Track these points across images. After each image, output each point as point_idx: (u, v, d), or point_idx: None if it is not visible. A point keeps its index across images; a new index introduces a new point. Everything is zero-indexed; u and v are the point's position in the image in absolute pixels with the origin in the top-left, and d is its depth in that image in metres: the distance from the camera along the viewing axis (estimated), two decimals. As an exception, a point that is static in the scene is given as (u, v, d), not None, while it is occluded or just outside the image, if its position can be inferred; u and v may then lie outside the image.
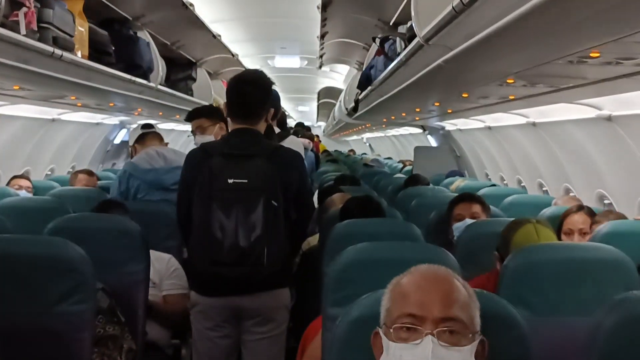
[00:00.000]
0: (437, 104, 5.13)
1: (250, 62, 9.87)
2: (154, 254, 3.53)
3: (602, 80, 3.03)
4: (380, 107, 6.18)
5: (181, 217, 3.37)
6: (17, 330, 2.58)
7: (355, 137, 24.67)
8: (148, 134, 4.98)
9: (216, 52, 8.26)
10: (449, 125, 9.09)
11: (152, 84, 5.74)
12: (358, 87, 6.10)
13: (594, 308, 2.08)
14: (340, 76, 13.09)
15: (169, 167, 4.47)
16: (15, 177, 6.18)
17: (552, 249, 2.75)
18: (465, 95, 4.11)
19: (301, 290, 4.08)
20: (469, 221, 3.90)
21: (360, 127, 17.04)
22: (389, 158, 17.47)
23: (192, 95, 8.35)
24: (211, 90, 8.95)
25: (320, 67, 9.26)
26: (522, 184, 7.34)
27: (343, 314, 2.06)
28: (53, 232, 3.46)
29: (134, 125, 10.04)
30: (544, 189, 6.66)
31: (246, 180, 3.04)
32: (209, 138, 4.24)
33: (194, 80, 8.43)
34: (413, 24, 2.79)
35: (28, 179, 6.21)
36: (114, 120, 9.34)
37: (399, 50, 4.26)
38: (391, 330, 1.75)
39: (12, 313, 2.59)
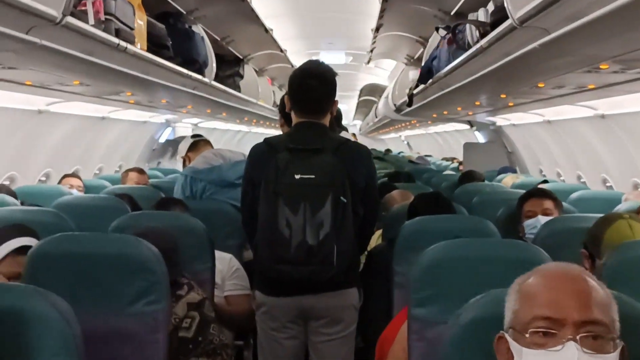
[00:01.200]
0: (503, 95, 4.93)
1: (295, 59, 9.72)
2: (215, 253, 3.47)
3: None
4: (439, 101, 6.02)
5: (245, 215, 3.28)
6: (89, 332, 2.43)
7: (393, 135, 24.43)
8: (199, 142, 4.95)
9: (264, 48, 8.15)
10: (501, 120, 8.88)
11: (206, 80, 5.62)
12: (419, 81, 5.91)
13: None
14: (384, 72, 12.93)
15: (229, 163, 4.40)
16: (66, 175, 6.13)
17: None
18: (540, 85, 3.92)
19: (367, 289, 3.94)
20: (541, 218, 3.74)
21: (402, 125, 16.88)
22: (429, 156, 17.23)
23: (239, 92, 8.20)
24: (258, 88, 8.85)
25: (368, 62, 9.10)
26: (581, 180, 7.12)
27: (453, 317, 1.91)
28: (117, 231, 3.38)
29: (179, 124, 10.09)
30: (607, 184, 6.43)
31: (313, 176, 2.94)
32: None
33: (242, 77, 8.30)
34: (507, 6, 2.61)
35: (79, 177, 6.16)
36: (160, 118, 9.32)
37: (469, 39, 4.07)
38: (526, 335, 1.57)
39: (83, 314, 2.44)
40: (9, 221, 3.32)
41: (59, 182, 6.02)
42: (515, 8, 2.60)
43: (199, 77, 5.34)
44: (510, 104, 5.82)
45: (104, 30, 3.36)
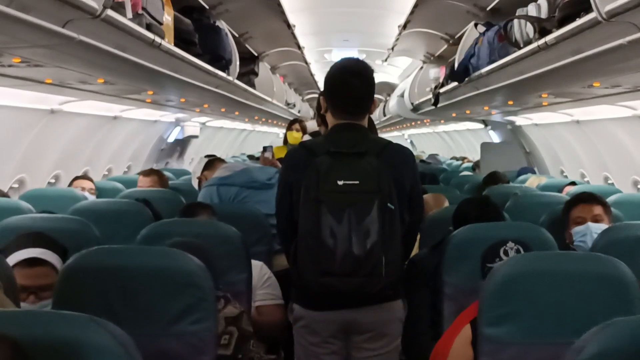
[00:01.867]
0: (544, 95, 4.69)
1: (308, 56, 9.48)
2: None
3: None
4: (470, 100, 5.79)
5: (282, 223, 3.05)
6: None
7: (396, 133, 24.21)
8: (214, 161, 4.83)
9: (280, 44, 7.88)
10: (522, 119, 8.65)
11: (230, 78, 5.36)
12: (452, 79, 5.66)
13: None
14: (396, 70, 12.69)
15: (256, 166, 4.34)
16: (77, 178, 5.83)
17: None
18: (596, 84, 3.68)
19: (409, 300, 3.75)
20: (592, 225, 3.55)
21: (408, 124, 16.66)
22: (436, 155, 17.03)
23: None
24: (273, 86, 8.60)
25: (386, 59, 8.86)
26: (609, 181, 6.89)
27: (570, 351, 1.66)
28: (146, 240, 3.17)
29: (188, 123, 9.84)
30: (639, 186, 6.21)
31: (358, 182, 2.73)
32: None
33: (256, 74, 8.04)
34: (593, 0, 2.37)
35: (91, 179, 5.87)
36: (170, 117, 9.08)
37: (517, 36, 3.83)
38: None
39: (124, 333, 2.29)
40: (30, 229, 3.11)
41: (70, 185, 5.76)
42: (604, 1, 2.37)
43: (224, 75, 5.07)
44: (545, 104, 5.58)
45: (138, 25, 3.11)
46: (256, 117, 11.02)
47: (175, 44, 4.05)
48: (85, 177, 5.88)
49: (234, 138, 15.33)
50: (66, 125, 6.05)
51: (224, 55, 5.02)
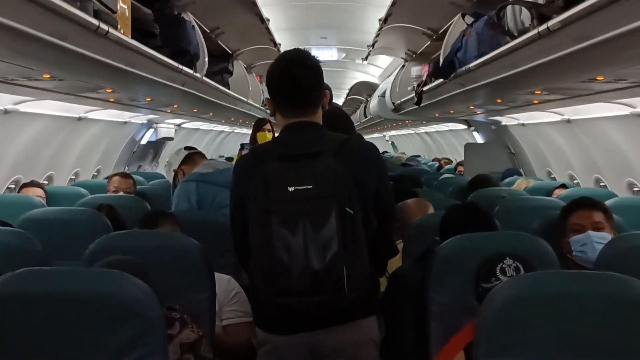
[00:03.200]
0: (538, 92, 4.33)
1: (285, 54, 9.06)
2: None
3: None
4: (454, 98, 5.44)
5: (237, 239, 2.72)
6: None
7: (376, 135, 23.99)
8: (194, 154, 4.50)
9: (256, 42, 7.49)
10: (508, 119, 8.36)
11: (197, 75, 4.95)
12: (437, 76, 5.32)
13: None
14: (377, 70, 12.41)
15: None
16: (25, 185, 5.36)
17: None
18: (599, 78, 3.33)
19: (391, 319, 3.40)
20: (592, 234, 3.24)
21: (388, 125, 16.37)
22: (418, 156, 16.79)
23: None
24: (248, 86, 8.22)
25: (366, 57, 8.49)
26: (601, 184, 6.58)
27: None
28: (93, 256, 2.81)
29: (162, 125, 9.47)
30: (635, 189, 5.89)
31: (311, 186, 2.41)
32: None
33: (231, 73, 7.65)
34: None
35: (40, 186, 5.41)
36: (141, 119, 8.69)
37: (510, 24, 3.47)
38: None
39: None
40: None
41: (18, 192, 5.32)
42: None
43: (190, 71, 4.66)
44: (535, 102, 5.24)
45: (80, 10, 2.70)
46: (232, 119, 10.63)
47: (132, 35, 3.65)
48: (33, 183, 5.40)
49: (211, 140, 15.02)
50: (23, 126, 5.62)
51: (189, 48, 4.59)
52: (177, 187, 4.11)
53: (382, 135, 23.95)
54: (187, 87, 5.07)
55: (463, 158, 9.67)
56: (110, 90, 4.49)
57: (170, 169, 4.53)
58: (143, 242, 2.92)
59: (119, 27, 3.40)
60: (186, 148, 4.66)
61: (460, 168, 10.02)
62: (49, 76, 3.38)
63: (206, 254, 2.88)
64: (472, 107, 6.33)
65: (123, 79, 4.00)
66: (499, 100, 5.30)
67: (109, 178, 5.60)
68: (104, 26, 2.83)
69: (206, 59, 5.23)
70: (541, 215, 3.75)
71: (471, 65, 4.15)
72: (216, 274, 3.08)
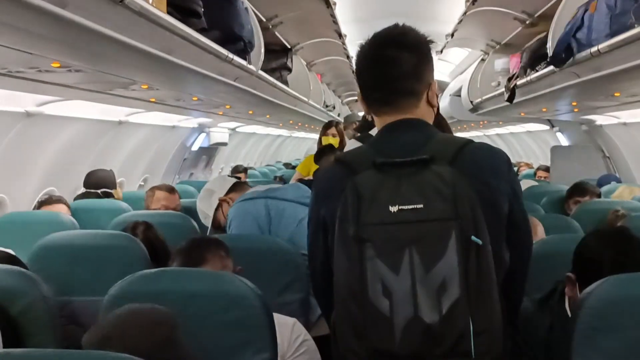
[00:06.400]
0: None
1: (350, 48, 8.24)
2: None
3: None
4: (554, 94, 4.54)
5: (316, 277, 2.21)
6: None
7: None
8: (243, 184, 3.90)
9: (317, 34, 6.68)
10: (605, 118, 7.44)
11: (252, 68, 4.11)
12: (535, 66, 4.45)
13: None
14: (446, 66, 11.58)
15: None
16: (43, 203, 4.57)
17: None
18: None
19: None
20: None
21: (457, 128, 15.56)
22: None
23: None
24: (310, 85, 7.47)
25: (441, 50, 7.61)
26: None
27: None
28: (114, 302, 2.11)
29: (214, 129, 8.84)
30: None
31: (421, 205, 1.82)
32: None
33: (289, 70, 6.85)
34: None
35: (65, 202, 4.63)
36: (192, 122, 8.07)
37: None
38: None
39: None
40: None
41: (39, 208, 4.55)
42: None
43: (244, 62, 3.81)
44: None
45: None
46: (291, 121, 9.91)
47: (169, 13, 2.83)
48: (53, 199, 4.60)
49: (268, 145, 14.50)
50: (51, 132, 4.90)
51: (242, 34, 3.73)
52: (234, 207, 3.36)
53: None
54: (240, 83, 4.24)
55: (543, 162, 8.85)
56: (146, 87, 3.68)
57: (211, 198, 3.76)
58: (181, 283, 2.19)
59: (151, 2, 2.59)
60: (232, 173, 3.95)
61: (541, 174, 9.21)
62: (58, 65, 2.55)
63: (265, 301, 2.14)
64: (575, 104, 5.37)
65: (159, 71, 3.19)
66: (616, 94, 4.35)
67: (150, 191, 4.79)
68: (128, -5, 2.00)
69: (262, 49, 4.40)
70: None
71: (602, 46, 3.21)
72: (276, 316, 2.38)
